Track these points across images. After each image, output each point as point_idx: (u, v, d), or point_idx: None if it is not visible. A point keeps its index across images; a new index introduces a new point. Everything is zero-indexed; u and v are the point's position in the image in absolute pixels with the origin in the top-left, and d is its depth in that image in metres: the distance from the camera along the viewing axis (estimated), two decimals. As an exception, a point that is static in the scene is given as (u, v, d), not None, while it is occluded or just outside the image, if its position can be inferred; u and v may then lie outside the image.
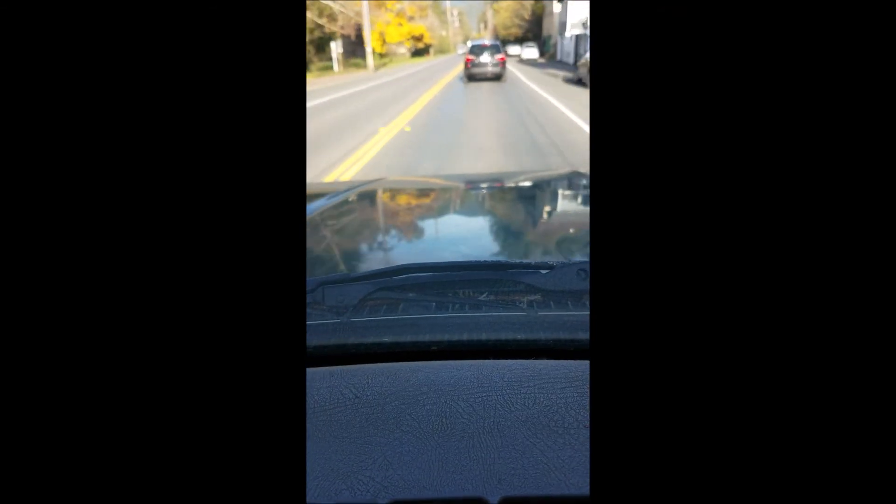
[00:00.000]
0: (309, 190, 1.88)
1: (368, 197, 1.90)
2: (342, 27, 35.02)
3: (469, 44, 18.72)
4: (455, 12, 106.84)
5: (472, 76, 17.91)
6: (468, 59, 18.11)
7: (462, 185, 2.16)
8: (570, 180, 2.06)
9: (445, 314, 0.87)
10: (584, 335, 0.77)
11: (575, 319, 0.81)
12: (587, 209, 1.46)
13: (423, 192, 2.10)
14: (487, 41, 19.17)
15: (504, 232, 1.53)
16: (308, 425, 0.62)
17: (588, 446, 0.57)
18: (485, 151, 6.80)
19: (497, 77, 17.63)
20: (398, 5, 50.12)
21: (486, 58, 17.68)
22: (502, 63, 17.87)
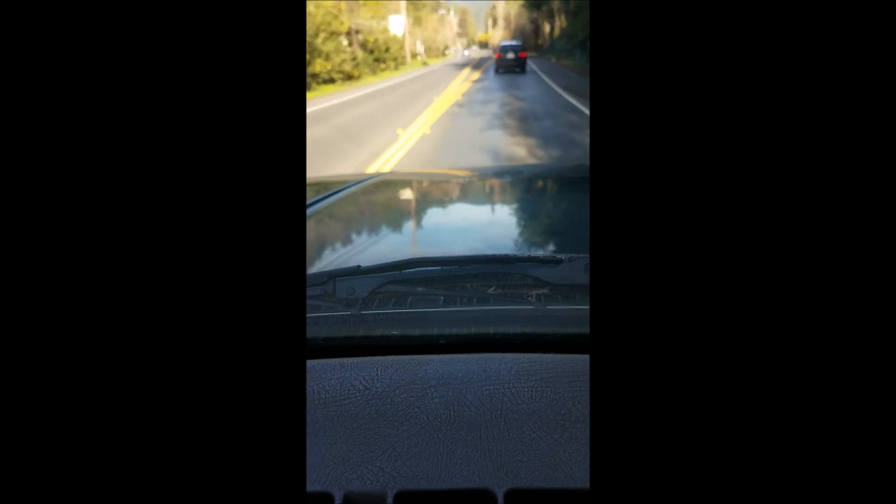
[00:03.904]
0: (318, 183, 1.94)
1: (377, 190, 1.90)
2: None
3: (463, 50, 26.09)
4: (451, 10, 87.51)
5: (499, 67, 23.57)
6: (497, 55, 24.26)
7: (471, 179, 2.17)
8: (579, 173, 2.01)
9: (453, 308, 0.87)
10: None
11: (583, 313, 0.81)
12: None
13: (432, 186, 2.10)
14: (513, 42, 26.53)
15: (512, 225, 1.54)
16: (318, 416, 0.63)
17: None
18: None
19: (521, 68, 23.27)
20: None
21: (511, 55, 23.59)
22: (523, 58, 23.75)
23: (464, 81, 19.87)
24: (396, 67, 32.18)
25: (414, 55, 46.07)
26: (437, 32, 68.38)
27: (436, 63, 43.39)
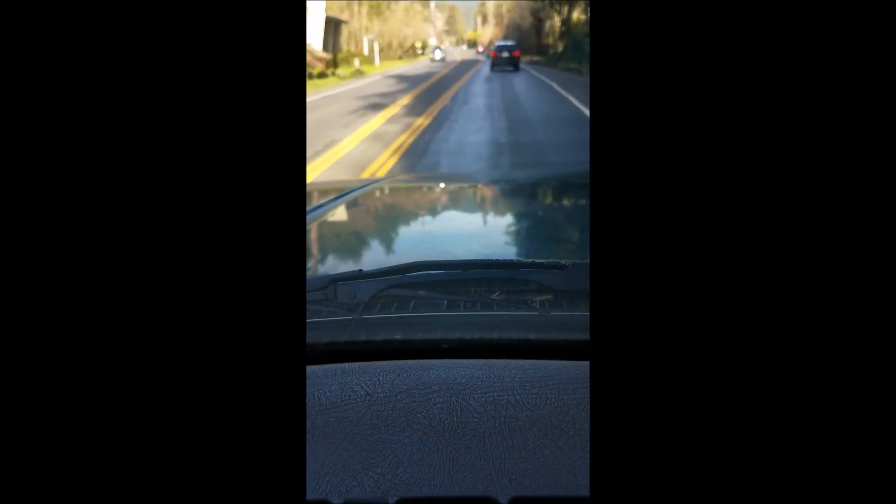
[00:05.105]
0: (320, 188, 2.00)
1: (380, 195, 1.91)
2: None
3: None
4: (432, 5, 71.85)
5: (494, 65, 26.01)
6: (493, 54, 26.81)
7: (474, 184, 2.21)
8: (583, 178, 1.99)
9: (457, 312, 0.87)
10: None
11: (587, 320, 0.85)
12: None
13: (435, 191, 2.10)
14: (508, 42, 29.35)
15: (516, 230, 1.54)
16: (319, 421, 0.63)
17: None
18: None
19: (514, 66, 25.46)
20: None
21: (505, 54, 25.91)
22: (517, 57, 25.96)
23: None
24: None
25: (347, 59, 29.87)
26: (405, 25, 51.95)
27: (374, 73, 26.92)
